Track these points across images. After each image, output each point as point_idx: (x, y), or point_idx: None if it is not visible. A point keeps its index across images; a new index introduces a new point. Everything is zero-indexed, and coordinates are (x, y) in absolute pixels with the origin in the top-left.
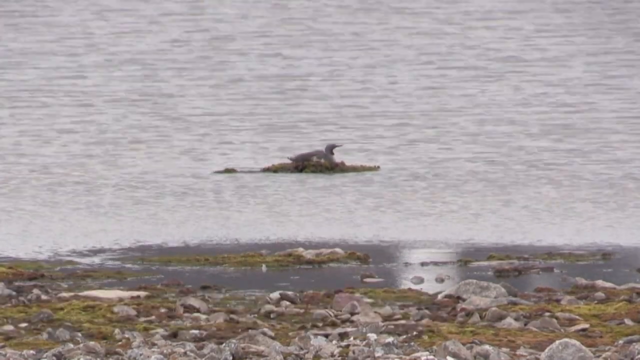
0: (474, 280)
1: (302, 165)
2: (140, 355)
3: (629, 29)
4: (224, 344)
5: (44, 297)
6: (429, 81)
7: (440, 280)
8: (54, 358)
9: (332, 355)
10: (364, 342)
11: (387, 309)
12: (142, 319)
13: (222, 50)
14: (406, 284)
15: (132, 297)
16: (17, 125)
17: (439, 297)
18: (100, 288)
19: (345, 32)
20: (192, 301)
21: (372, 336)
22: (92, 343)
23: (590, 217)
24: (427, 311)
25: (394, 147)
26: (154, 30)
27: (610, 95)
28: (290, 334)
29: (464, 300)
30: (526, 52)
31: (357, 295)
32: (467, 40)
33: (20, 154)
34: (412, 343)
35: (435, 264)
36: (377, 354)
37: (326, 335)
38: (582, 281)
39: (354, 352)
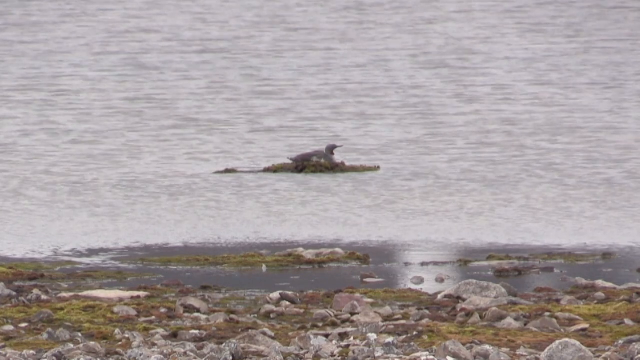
0: (474, 280)
1: (302, 165)
2: (140, 355)
3: (625, 28)
4: (224, 344)
5: (44, 297)
6: (426, 81)
7: (440, 280)
8: (54, 358)
9: (332, 355)
10: (364, 342)
11: (387, 309)
12: (142, 319)
13: (220, 50)
14: (406, 284)
15: (132, 297)
16: (17, 125)
17: (439, 297)
18: (100, 288)
19: (343, 32)
20: (192, 301)
21: (372, 336)
22: (92, 343)
23: (590, 217)
24: (427, 311)
25: (394, 147)
26: (151, 30)
27: (609, 94)
28: (290, 334)
29: (464, 300)
30: (523, 51)
31: (357, 295)
32: (463, 39)
33: (20, 154)
34: (412, 343)
35: (435, 264)
36: (377, 354)
37: (326, 335)
38: (582, 281)
39: (354, 352)
